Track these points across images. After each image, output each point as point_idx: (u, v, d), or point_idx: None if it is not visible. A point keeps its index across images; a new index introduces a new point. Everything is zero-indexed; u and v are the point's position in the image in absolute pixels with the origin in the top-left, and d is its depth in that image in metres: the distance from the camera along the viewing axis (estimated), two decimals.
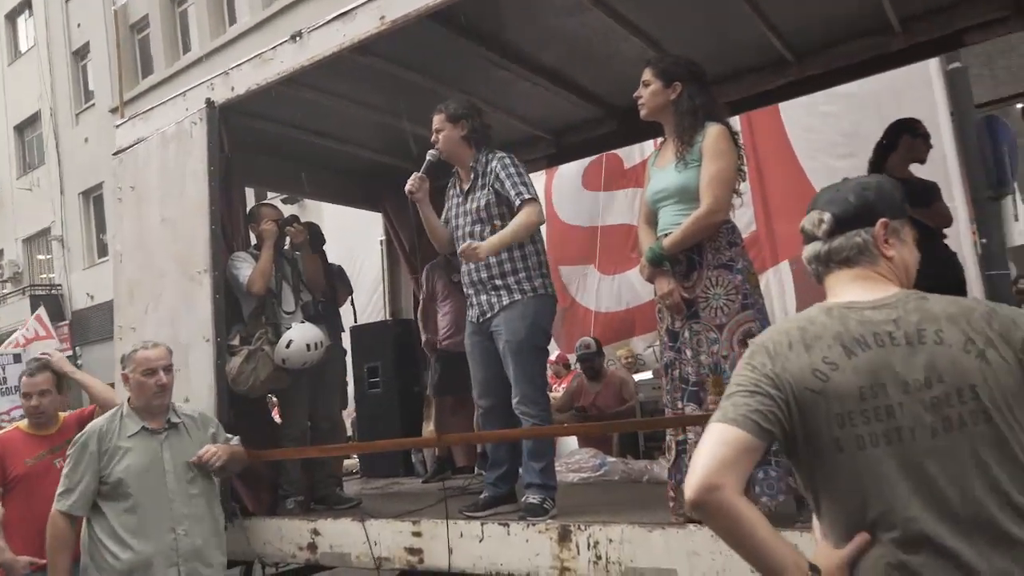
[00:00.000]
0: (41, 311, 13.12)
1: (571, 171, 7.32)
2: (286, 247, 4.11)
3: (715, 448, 1.30)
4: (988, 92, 6.81)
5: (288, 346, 3.77)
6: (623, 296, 7.07)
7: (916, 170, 4.04)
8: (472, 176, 3.37)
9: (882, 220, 1.47)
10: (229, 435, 3.26)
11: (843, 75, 4.07)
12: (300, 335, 3.82)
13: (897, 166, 3.89)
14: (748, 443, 1.30)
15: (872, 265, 1.46)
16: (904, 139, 3.89)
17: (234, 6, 16.54)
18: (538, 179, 7.43)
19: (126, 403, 3.09)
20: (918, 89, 5.64)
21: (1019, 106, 7.13)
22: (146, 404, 3.03)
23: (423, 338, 4.86)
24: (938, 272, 3.67)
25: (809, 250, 1.54)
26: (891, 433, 1.28)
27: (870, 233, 1.46)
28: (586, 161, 7.14)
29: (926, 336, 1.32)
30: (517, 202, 3.19)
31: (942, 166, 5.20)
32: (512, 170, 3.26)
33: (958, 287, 3.73)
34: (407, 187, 3.35)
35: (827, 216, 1.49)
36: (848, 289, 1.46)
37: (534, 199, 3.22)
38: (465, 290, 3.42)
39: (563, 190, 7.51)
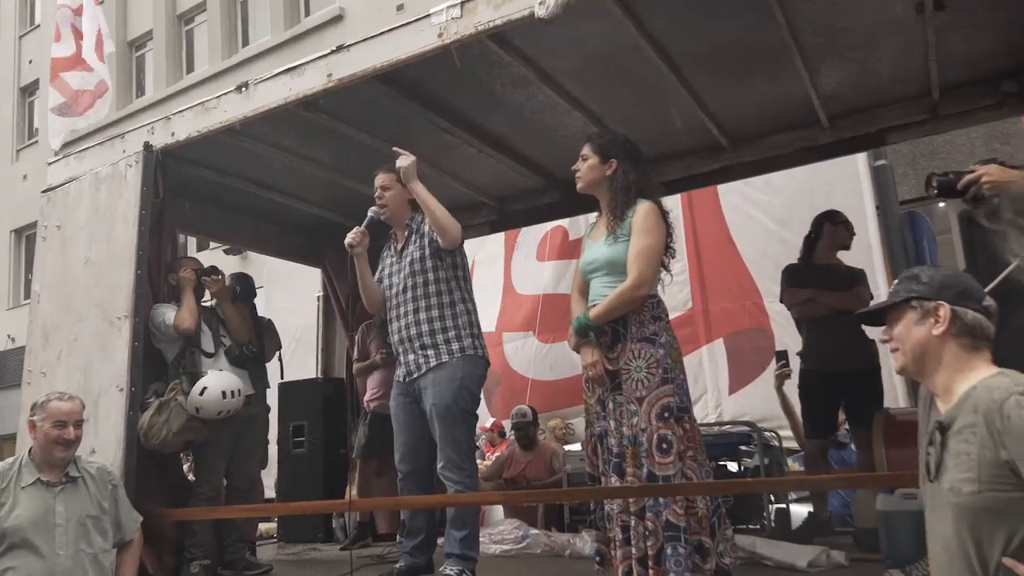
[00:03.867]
0: None
1: (528, 243, 7.52)
2: (205, 298, 4.01)
3: None
4: (912, 191, 7.19)
5: (202, 393, 3.60)
6: (558, 365, 7.09)
7: (845, 258, 4.19)
8: (407, 234, 3.39)
9: None
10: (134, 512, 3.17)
11: (775, 163, 4.27)
12: (215, 382, 3.66)
13: (823, 254, 4.04)
14: None
15: None
16: (826, 228, 4.05)
17: (193, 55, 16.57)
18: (498, 246, 7.64)
19: (26, 453, 3.02)
20: (847, 182, 5.93)
21: (941, 204, 7.54)
22: (48, 456, 2.96)
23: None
24: (853, 355, 3.78)
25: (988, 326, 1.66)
26: None
27: None
28: (541, 233, 7.33)
29: None
30: None
31: (868, 256, 5.43)
32: None
33: (871, 372, 3.81)
34: (347, 240, 3.32)
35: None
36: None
37: None
38: (394, 348, 3.37)
39: (520, 261, 7.66)
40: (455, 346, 3.19)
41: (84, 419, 3.05)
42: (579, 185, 2.95)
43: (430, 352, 3.20)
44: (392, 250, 3.46)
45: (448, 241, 3.20)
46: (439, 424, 3.13)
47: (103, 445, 3.49)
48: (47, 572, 2.81)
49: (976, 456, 1.50)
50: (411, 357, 3.24)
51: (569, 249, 7.35)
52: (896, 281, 1.77)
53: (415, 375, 3.23)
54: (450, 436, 3.13)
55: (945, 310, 1.62)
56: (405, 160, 3.21)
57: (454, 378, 3.15)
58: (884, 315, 1.75)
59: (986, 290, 1.72)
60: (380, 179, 3.40)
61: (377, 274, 3.48)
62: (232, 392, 3.69)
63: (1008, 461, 1.46)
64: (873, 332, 3.98)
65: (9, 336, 18.05)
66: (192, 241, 12.66)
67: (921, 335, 1.65)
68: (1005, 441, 1.46)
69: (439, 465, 3.14)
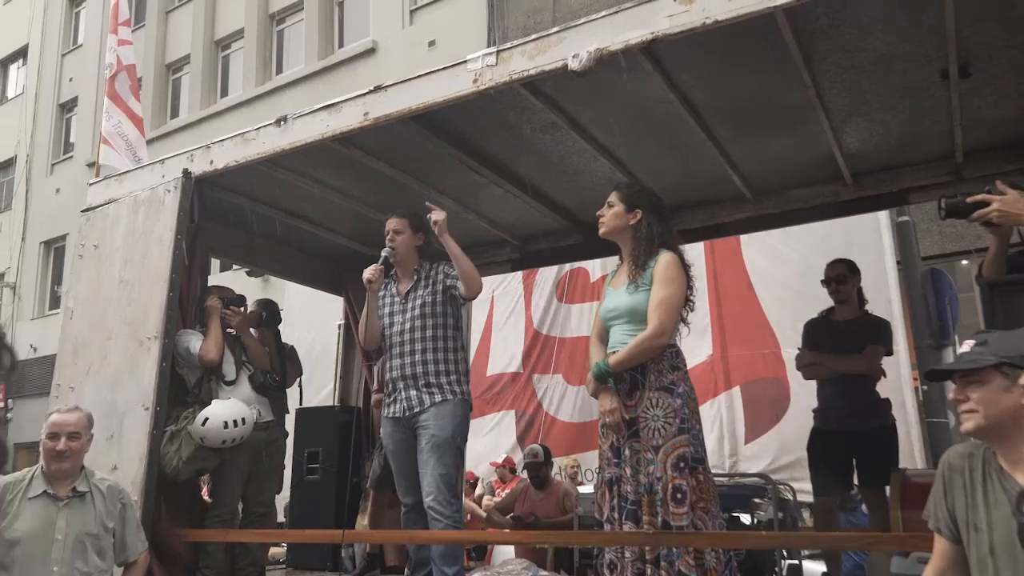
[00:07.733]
0: None
1: (547, 282, 7.69)
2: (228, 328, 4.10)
3: None
4: (935, 246, 7.19)
5: (204, 423, 3.60)
6: (585, 408, 7.16)
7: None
8: (415, 279, 3.54)
9: None
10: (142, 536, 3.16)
11: (797, 217, 4.31)
12: (216, 412, 3.66)
13: (837, 312, 4.04)
14: None
15: None
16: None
17: (228, 80, 16.96)
18: (516, 285, 7.80)
19: (40, 464, 3.03)
20: (868, 236, 5.95)
21: (964, 262, 7.52)
22: (47, 469, 2.98)
23: None
24: (862, 415, 3.75)
25: None
26: None
27: None
28: (559, 273, 7.45)
29: None
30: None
31: (887, 312, 5.42)
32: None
33: (882, 433, 3.78)
34: (366, 276, 3.46)
35: None
36: None
37: None
38: (391, 385, 3.47)
39: (540, 301, 7.79)
40: (456, 389, 3.42)
41: (79, 432, 2.98)
42: (602, 230, 3.02)
43: (434, 390, 3.37)
44: (393, 291, 3.60)
45: (471, 292, 3.42)
46: (435, 455, 3.25)
47: (126, 462, 3.56)
48: None
49: None
50: (412, 393, 3.39)
51: (590, 291, 7.46)
52: (973, 342, 1.73)
53: (416, 410, 3.36)
54: (443, 470, 3.25)
55: None
56: (440, 215, 3.33)
57: (455, 415, 3.37)
58: (951, 371, 1.72)
59: None
60: (393, 223, 3.58)
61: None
62: (236, 421, 3.67)
63: None
64: (886, 392, 3.98)
65: (32, 346, 18.29)
66: (215, 263, 12.86)
67: (1010, 403, 1.64)
68: None
69: (428, 498, 3.21)
